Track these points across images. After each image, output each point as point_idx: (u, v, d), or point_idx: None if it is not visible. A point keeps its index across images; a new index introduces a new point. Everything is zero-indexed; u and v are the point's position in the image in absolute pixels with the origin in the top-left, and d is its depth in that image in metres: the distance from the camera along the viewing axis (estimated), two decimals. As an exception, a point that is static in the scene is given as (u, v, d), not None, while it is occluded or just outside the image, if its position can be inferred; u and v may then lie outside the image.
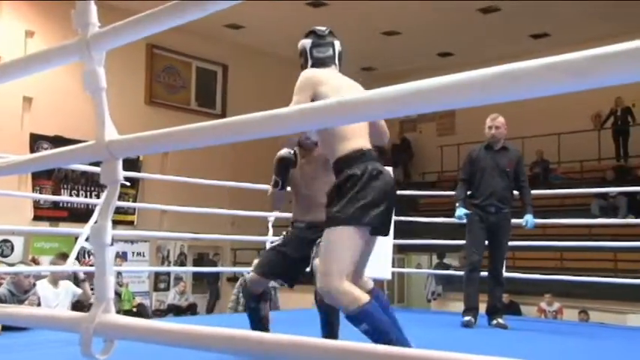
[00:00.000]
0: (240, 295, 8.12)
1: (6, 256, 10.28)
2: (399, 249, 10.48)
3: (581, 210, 10.12)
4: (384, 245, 4.95)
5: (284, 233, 3.15)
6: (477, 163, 4.67)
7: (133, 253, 12.06)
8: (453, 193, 5.00)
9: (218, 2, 1.18)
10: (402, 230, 5.75)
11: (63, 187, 11.19)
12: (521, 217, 4.66)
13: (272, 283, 8.04)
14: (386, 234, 2.47)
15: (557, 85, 0.81)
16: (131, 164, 10.80)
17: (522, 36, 12.50)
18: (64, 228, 9.45)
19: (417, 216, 7.49)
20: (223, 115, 12.88)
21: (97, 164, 1.37)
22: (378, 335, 2.16)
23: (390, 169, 3.06)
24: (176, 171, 9.51)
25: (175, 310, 11.18)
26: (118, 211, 10.88)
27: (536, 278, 6.46)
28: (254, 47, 13.44)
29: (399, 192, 2.61)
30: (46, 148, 10.21)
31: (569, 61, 0.78)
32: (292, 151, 3.11)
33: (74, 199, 10.86)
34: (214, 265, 12.61)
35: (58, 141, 10.24)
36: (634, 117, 12.26)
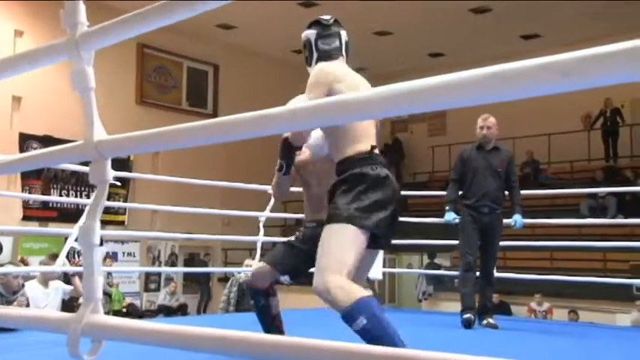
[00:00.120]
0: (232, 295, 8.11)
1: (-5, 257, 10.21)
2: (390, 249, 10.49)
3: (571, 210, 10.19)
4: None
5: (296, 233, 3.02)
6: (468, 163, 4.66)
7: (124, 253, 12.02)
8: (444, 193, 4.99)
9: (207, 2, 1.17)
10: (393, 230, 5.75)
11: (52, 186, 11.13)
12: (510, 217, 4.68)
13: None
14: (388, 246, 2.38)
15: (547, 85, 0.81)
16: (121, 164, 10.76)
17: (513, 36, 12.55)
18: (54, 228, 9.39)
19: (408, 216, 7.49)
20: (215, 115, 12.86)
21: (86, 164, 1.36)
22: (377, 331, 1.99)
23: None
24: (167, 171, 9.50)
25: (166, 311, 11.14)
26: (109, 211, 10.84)
27: (527, 278, 6.50)
28: (245, 47, 13.43)
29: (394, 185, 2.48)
30: (35, 148, 10.15)
31: (559, 62, 0.78)
32: None
33: (64, 199, 10.81)
34: (205, 265, 12.58)
35: (47, 140, 10.20)
36: (623, 118, 12.35)
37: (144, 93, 12.61)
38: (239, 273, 8.12)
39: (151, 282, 12.41)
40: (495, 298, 7.46)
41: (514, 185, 4.70)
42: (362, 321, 1.99)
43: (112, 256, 11.30)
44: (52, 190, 11.08)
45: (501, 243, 4.83)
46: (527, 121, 12.06)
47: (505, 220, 4.68)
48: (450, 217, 4.68)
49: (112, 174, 1.33)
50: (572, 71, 0.77)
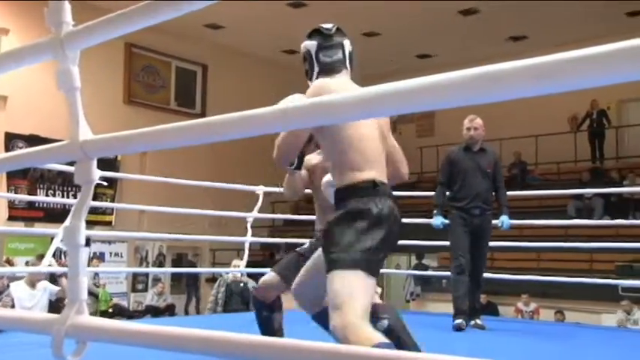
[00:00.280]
0: (219, 295, 8.09)
1: (-21, 257, 10.11)
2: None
3: (557, 211, 10.26)
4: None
5: (309, 242, 2.89)
6: (457, 165, 4.61)
7: (111, 253, 11.95)
8: (432, 193, 4.95)
9: (193, 2, 1.17)
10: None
11: (39, 186, 11.05)
12: (497, 218, 4.67)
13: (252, 284, 8.02)
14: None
15: (533, 87, 0.81)
16: (108, 164, 10.69)
17: (502, 38, 12.62)
18: (40, 228, 9.32)
19: (396, 217, 7.48)
20: (203, 115, 12.82)
21: (73, 164, 1.35)
22: None
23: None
24: (155, 171, 9.45)
25: (153, 311, 11.09)
26: (96, 211, 10.78)
27: (514, 279, 6.53)
28: (234, 47, 13.40)
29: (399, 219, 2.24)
30: (21, 147, 10.06)
31: (545, 64, 0.79)
32: None
33: (50, 199, 10.73)
34: (194, 266, 12.53)
35: (33, 140, 10.11)
36: (609, 119, 12.45)
37: (132, 92, 12.55)
38: (227, 274, 8.10)
39: (138, 282, 12.35)
40: (483, 298, 7.49)
41: (500, 186, 4.67)
42: None
43: (99, 257, 11.24)
44: (38, 190, 10.99)
45: (489, 244, 4.83)
46: (514, 123, 12.13)
47: (492, 222, 4.67)
48: (438, 221, 4.63)
49: (97, 174, 1.33)
50: (556, 73, 0.78)
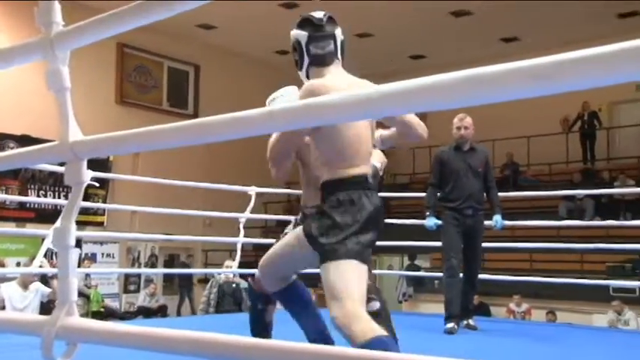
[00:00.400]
0: (212, 296, 8.07)
1: (-30, 258, 10.04)
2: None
3: (549, 212, 10.30)
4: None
5: (293, 222, 2.81)
6: (448, 165, 4.55)
7: (103, 254, 11.90)
8: (424, 194, 4.90)
9: (186, 2, 1.16)
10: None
11: (30, 187, 10.99)
12: (490, 218, 4.64)
13: (244, 285, 7.98)
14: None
15: (524, 89, 0.81)
16: (100, 164, 10.65)
17: (493, 39, 12.66)
18: (31, 229, 9.28)
19: (388, 217, 7.49)
20: (195, 116, 12.80)
21: (63, 164, 1.35)
22: None
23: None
24: (147, 171, 9.42)
25: (145, 312, 11.05)
26: (87, 211, 10.73)
27: (506, 279, 6.55)
28: (226, 48, 13.38)
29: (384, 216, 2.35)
30: (12, 148, 10.01)
31: (535, 66, 0.79)
32: None
33: (41, 199, 10.68)
34: (187, 267, 12.48)
35: (25, 140, 10.06)
36: (600, 121, 12.52)
37: (124, 93, 12.51)
38: (219, 274, 8.09)
39: (130, 283, 12.31)
40: (475, 299, 7.49)
41: (491, 185, 4.62)
42: None
43: (90, 258, 11.19)
44: (29, 191, 10.94)
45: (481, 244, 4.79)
46: (506, 124, 12.17)
47: (485, 222, 4.64)
48: (431, 222, 4.58)
49: (88, 175, 1.32)
50: (547, 75, 0.78)
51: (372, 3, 10.71)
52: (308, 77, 2.27)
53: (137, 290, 12.21)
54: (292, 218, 2.95)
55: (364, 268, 2.06)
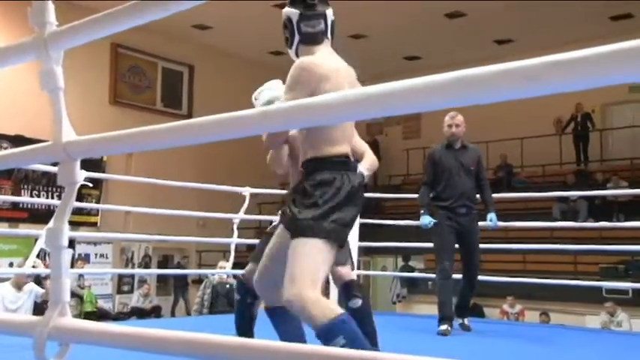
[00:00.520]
0: (205, 297, 8.06)
1: (-37, 258, 10.00)
2: (364, 251, 10.53)
3: (543, 213, 10.34)
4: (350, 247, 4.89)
5: (280, 213, 2.91)
6: (441, 163, 4.49)
7: (96, 254, 11.86)
8: (417, 195, 4.86)
9: (180, 2, 1.16)
10: (367, 233, 5.74)
11: (23, 187, 10.95)
12: (484, 219, 4.60)
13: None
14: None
15: (517, 90, 0.82)
16: (94, 164, 10.62)
17: (487, 41, 12.70)
18: (24, 229, 9.24)
19: (382, 218, 7.50)
20: (189, 116, 12.78)
21: (57, 164, 1.34)
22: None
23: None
24: (141, 172, 9.40)
25: (139, 313, 11.02)
26: (81, 212, 10.70)
27: (499, 281, 6.56)
28: (221, 48, 13.37)
29: (365, 194, 2.38)
30: (5, 148, 9.97)
31: (528, 67, 0.79)
32: None
33: (34, 199, 10.64)
34: (182, 268, 12.44)
35: (18, 140, 10.02)
36: (593, 122, 12.56)
37: (118, 93, 12.48)
38: (213, 275, 8.07)
39: (124, 284, 12.27)
40: (468, 300, 7.51)
41: (484, 184, 4.57)
42: (340, 341, 1.84)
43: (84, 258, 11.15)
44: (22, 191, 10.90)
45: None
46: (500, 125, 12.21)
47: (480, 223, 4.61)
48: (426, 220, 4.53)
49: (81, 175, 1.32)
50: (539, 76, 0.78)
51: (367, 4, 10.72)
52: (297, 55, 2.29)
53: (131, 291, 12.17)
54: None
55: (332, 253, 2.03)
